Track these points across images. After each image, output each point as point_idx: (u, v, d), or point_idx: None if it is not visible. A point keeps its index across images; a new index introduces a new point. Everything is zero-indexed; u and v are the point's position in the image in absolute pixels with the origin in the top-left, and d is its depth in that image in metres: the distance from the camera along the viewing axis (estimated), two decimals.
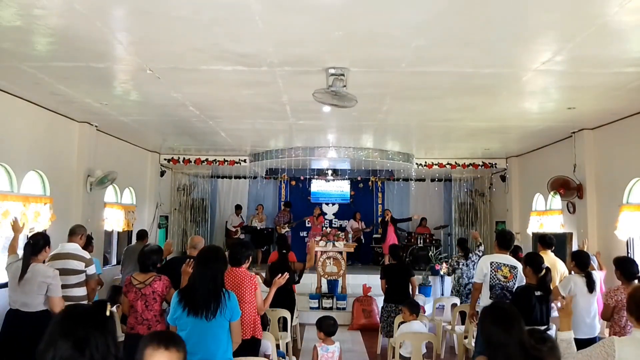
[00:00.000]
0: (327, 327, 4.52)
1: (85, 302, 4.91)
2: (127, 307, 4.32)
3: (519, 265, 5.05)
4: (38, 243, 4.38)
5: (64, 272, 4.75)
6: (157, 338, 1.97)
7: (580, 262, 4.90)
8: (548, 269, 4.50)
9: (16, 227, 4.81)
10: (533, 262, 4.56)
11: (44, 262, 4.56)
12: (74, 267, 4.84)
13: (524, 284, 4.77)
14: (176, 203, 12.13)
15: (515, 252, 6.16)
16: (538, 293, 4.34)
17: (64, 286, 4.68)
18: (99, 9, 3.57)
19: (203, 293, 3.23)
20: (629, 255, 6.55)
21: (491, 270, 4.99)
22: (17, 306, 4.23)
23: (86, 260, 4.96)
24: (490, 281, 4.97)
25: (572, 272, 5.04)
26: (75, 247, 4.98)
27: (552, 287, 5.37)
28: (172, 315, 3.32)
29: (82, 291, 4.89)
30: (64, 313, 1.81)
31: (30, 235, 4.84)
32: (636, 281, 4.29)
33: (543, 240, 6.19)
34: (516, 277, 4.96)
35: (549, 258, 5.88)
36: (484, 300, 5.03)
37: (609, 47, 4.19)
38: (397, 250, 7.00)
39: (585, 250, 5.48)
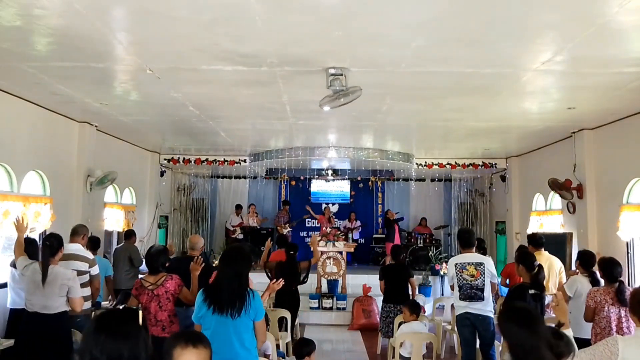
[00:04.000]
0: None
1: (89, 302, 4.94)
2: None
3: (486, 261, 5.10)
4: (53, 244, 4.37)
5: None
6: (185, 337, 2.01)
7: (585, 262, 4.95)
8: (540, 267, 4.51)
9: (20, 227, 4.76)
10: (525, 260, 4.56)
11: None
12: (77, 268, 4.83)
13: (518, 283, 4.77)
14: (176, 203, 12.13)
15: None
16: (532, 291, 4.34)
17: None
18: (99, 9, 3.57)
19: (228, 291, 3.24)
20: (629, 255, 6.57)
21: (456, 272, 5.03)
22: (35, 309, 4.20)
23: (90, 261, 4.96)
24: (458, 282, 5.01)
25: (578, 272, 5.06)
26: (78, 248, 4.97)
27: (545, 285, 5.40)
28: (196, 314, 3.34)
29: (86, 291, 4.90)
30: (97, 323, 1.82)
31: (45, 236, 4.82)
32: (617, 284, 4.31)
33: (534, 241, 6.20)
34: (483, 273, 4.99)
35: (543, 257, 5.90)
36: (455, 300, 5.12)
37: (609, 47, 4.19)
38: (399, 250, 7.00)
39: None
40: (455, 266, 5.08)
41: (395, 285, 6.50)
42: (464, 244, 5.23)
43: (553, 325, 2.84)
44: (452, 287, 5.28)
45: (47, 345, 4.17)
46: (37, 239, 5.91)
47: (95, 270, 4.98)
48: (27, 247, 4.62)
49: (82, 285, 4.84)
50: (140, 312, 4.08)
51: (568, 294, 4.81)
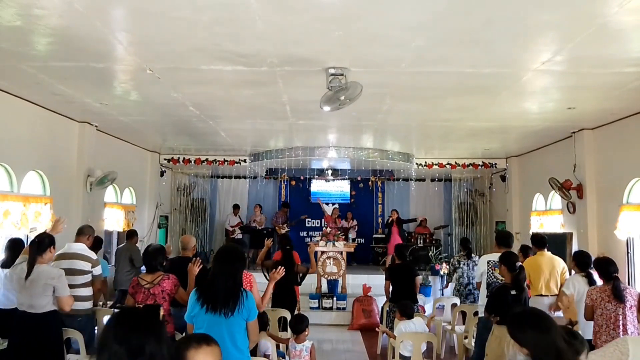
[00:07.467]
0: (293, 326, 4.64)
1: (90, 302, 4.93)
2: None
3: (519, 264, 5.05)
4: (43, 241, 4.33)
5: (70, 272, 4.74)
6: (195, 338, 2.05)
7: (581, 262, 4.95)
8: (522, 268, 4.46)
9: (56, 227, 4.74)
10: (507, 260, 4.50)
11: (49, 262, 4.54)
12: (80, 268, 4.84)
13: (500, 283, 4.74)
14: (176, 203, 12.13)
15: (526, 253, 6.15)
16: (513, 292, 4.32)
17: (70, 286, 4.68)
18: (99, 9, 3.57)
19: (222, 290, 3.23)
20: (629, 255, 6.57)
21: (488, 269, 5.01)
22: (24, 308, 4.20)
23: (92, 261, 4.96)
24: (487, 279, 4.99)
25: (573, 272, 5.06)
26: (82, 247, 4.98)
27: (546, 285, 5.39)
28: (189, 313, 3.31)
29: (88, 291, 4.90)
30: (117, 318, 1.80)
31: (35, 235, 4.79)
32: (613, 281, 4.34)
33: (536, 241, 6.15)
34: None
35: (545, 257, 5.87)
36: (482, 298, 5.04)
37: (609, 47, 4.19)
38: (402, 250, 6.95)
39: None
40: (488, 263, 5.04)
41: (402, 285, 6.43)
42: (502, 243, 5.15)
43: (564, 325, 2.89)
44: (478, 285, 5.24)
45: (38, 345, 4.14)
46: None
47: (97, 270, 4.98)
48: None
49: (84, 285, 4.85)
50: (162, 310, 4.03)
51: (567, 294, 4.81)
